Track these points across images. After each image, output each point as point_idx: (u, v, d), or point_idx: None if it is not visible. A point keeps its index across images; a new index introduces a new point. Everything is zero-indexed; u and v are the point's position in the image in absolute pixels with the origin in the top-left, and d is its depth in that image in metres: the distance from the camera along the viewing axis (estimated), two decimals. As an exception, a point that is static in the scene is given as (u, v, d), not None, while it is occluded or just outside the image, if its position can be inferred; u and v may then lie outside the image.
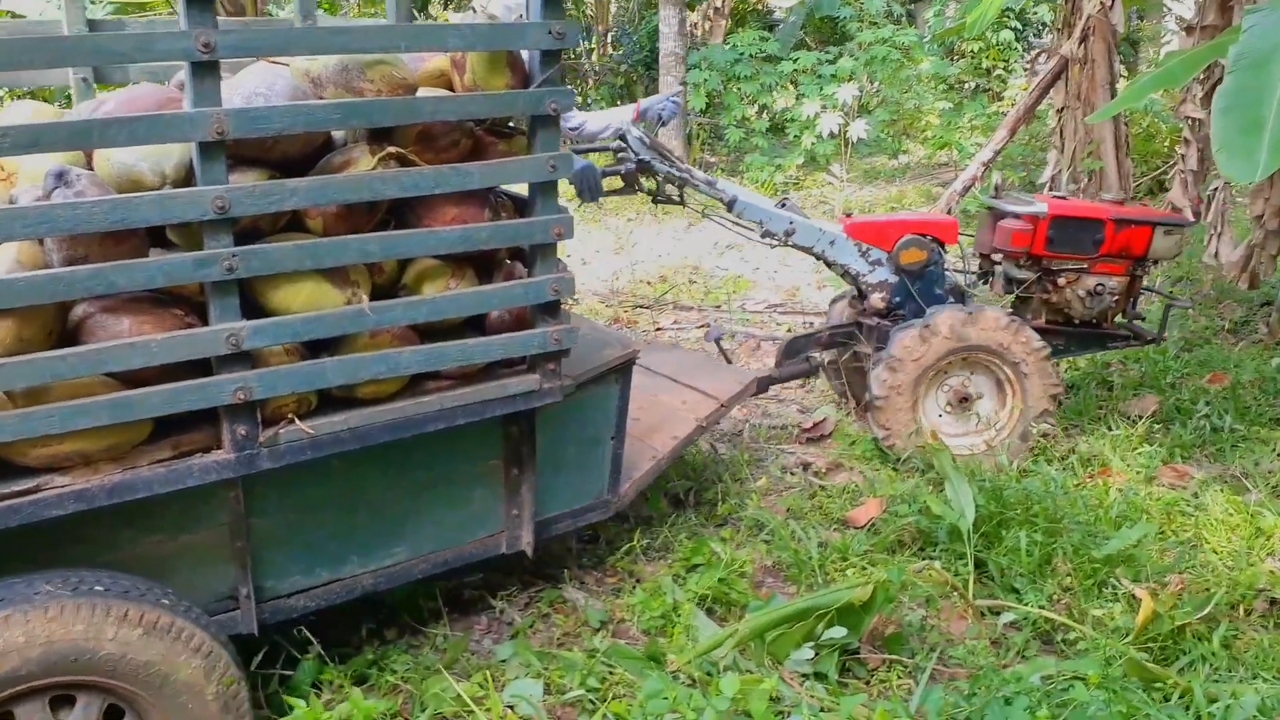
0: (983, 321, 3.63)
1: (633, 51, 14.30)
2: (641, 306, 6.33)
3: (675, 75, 11.06)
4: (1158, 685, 2.33)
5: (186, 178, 1.96)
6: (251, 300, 2.03)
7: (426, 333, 2.26)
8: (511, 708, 2.31)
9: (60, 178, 1.85)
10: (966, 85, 11.85)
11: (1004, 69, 11.54)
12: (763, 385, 3.77)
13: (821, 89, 10.46)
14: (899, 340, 3.61)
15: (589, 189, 3.19)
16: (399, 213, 2.25)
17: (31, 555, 1.88)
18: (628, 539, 3.21)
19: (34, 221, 1.75)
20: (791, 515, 3.38)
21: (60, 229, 1.78)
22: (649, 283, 6.86)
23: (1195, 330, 5.08)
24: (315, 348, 2.13)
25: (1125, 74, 9.85)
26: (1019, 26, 10.75)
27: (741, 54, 11.24)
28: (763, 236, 3.74)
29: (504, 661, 2.54)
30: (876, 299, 3.85)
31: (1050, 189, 7.81)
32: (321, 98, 2.09)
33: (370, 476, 2.31)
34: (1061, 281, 3.97)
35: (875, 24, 10.80)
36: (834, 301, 4.30)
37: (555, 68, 2.21)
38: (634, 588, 2.96)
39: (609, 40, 15.91)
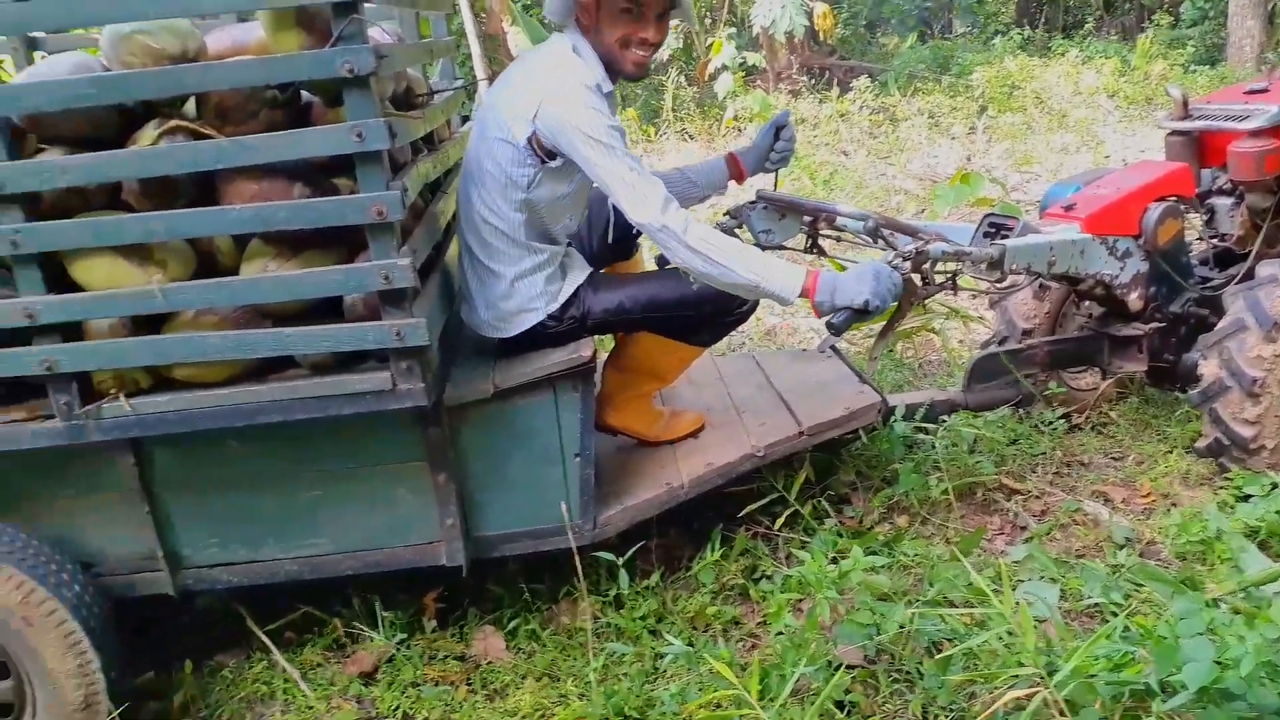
0: None
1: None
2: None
3: None
4: None
5: None
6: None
7: (285, 317, 2.12)
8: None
9: None
10: None
11: None
12: (940, 409, 3.01)
13: None
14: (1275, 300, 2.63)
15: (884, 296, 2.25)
16: (216, 189, 2.08)
17: None
18: (1167, 461, 2.95)
19: None
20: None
21: None
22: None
23: None
24: (156, 326, 2.10)
25: None
26: None
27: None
28: (1000, 282, 2.72)
29: (1017, 563, 2.50)
30: (1135, 299, 2.87)
31: None
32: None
33: (274, 460, 2.25)
34: None
35: None
36: (998, 303, 3.34)
37: (348, 21, 1.88)
38: (1168, 510, 2.72)
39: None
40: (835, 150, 7.89)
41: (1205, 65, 9.96)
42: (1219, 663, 1.71)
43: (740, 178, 2.87)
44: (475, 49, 8.13)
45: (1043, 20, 13.54)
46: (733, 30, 10.42)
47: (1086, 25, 12.46)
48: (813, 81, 10.69)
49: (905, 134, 8.15)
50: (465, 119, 3.45)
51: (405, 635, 2.48)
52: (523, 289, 2.42)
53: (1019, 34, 11.94)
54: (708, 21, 10.77)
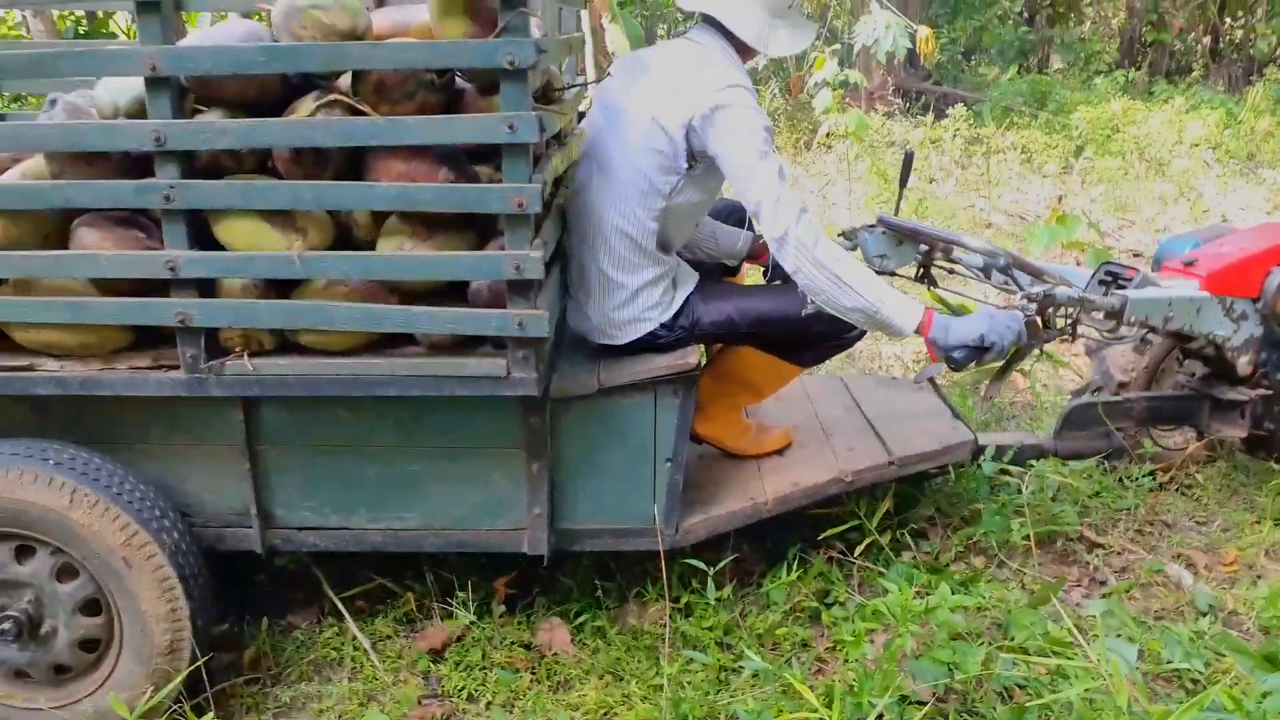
0: None
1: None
2: None
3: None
4: None
5: (141, 111, 2.03)
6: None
7: (410, 295, 2.14)
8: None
9: (53, 104, 2.11)
10: None
11: None
12: (1028, 453, 2.94)
13: None
14: None
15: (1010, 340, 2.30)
16: (363, 165, 2.11)
17: (59, 427, 2.23)
18: (1254, 531, 2.88)
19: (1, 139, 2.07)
20: None
21: (22, 147, 2.08)
22: None
23: None
24: (284, 290, 2.14)
25: None
26: None
27: None
28: (1114, 330, 2.71)
29: (1094, 617, 2.47)
30: (1244, 364, 2.86)
31: None
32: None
33: (378, 432, 2.29)
34: None
35: None
36: (1095, 352, 3.25)
37: (514, 14, 1.90)
38: (1254, 581, 2.66)
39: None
40: (924, 177, 7.81)
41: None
42: (1311, 746, 1.68)
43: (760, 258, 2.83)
44: (589, 45, 8.12)
45: (1147, 63, 13.24)
46: (836, 46, 10.35)
47: (1193, 73, 12.14)
48: (906, 105, 10.58)
49: (996, 167, 8.03)
50: (581, 115, 3.47)
51: (475, 618, 2.52)
52: (642, 299, 2.41)
53: (1122, 74, 11.68)
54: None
